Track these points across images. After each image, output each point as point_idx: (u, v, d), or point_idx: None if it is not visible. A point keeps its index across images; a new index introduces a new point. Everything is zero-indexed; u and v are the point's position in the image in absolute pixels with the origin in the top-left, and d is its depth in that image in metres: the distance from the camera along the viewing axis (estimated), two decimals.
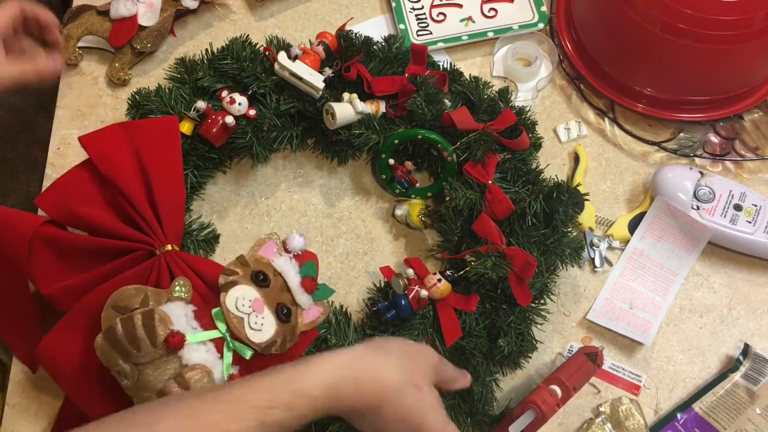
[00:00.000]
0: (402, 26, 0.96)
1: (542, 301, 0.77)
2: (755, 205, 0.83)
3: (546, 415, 0.65)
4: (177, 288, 0.68)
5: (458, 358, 0.74)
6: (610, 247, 0.85)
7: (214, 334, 0.66)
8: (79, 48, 0.94)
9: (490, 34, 0.96)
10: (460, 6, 0.99)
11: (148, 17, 0.92)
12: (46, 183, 0.87)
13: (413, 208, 0.84)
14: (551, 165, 0.89)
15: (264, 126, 0.83)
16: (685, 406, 0.78)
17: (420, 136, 0.80)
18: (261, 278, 0.71)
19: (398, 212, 0.85)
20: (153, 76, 0.95)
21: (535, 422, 0.66)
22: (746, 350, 0.79)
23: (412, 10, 0.98)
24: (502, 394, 0.77)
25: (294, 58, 0.82)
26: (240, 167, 0.89)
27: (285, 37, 0.88)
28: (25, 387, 0.78)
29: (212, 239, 0.84)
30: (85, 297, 0.71)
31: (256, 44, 0.86)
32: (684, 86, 0.88)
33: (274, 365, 0.57)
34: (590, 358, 0.72)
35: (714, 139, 0.90)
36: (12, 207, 0.75)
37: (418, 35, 0.96)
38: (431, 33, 0.96)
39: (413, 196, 0.86)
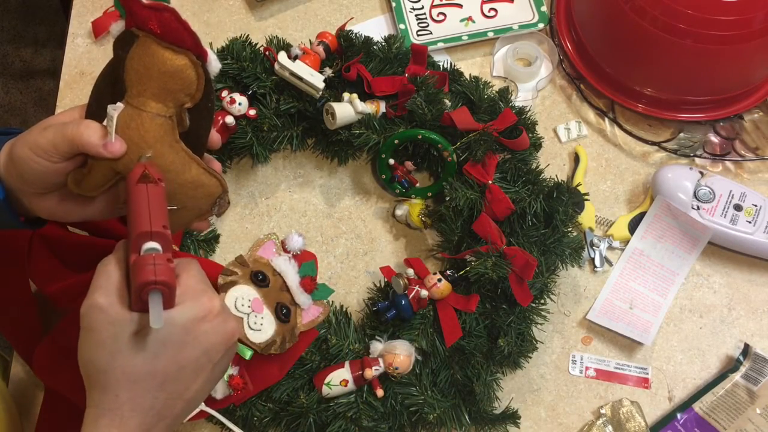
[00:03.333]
0: (402, 26, 0.96)
1: (542, 301, 0.77)
2: (755, 205, 0.83)
3: (170, 283, 0.48)
4: None
5: (458, 358, 0.74)
6: (610, 247, 0.85)
7: None
8: None
9: (490, 34, 0.96)
10: (460, 6, 0.99)
11: None
12: None
13: (413, 208, 0.84)
14: (551, 165, 0.89)
15: (264, 126, 0.83)
16: (685, 406, 0.78)
17: (420, 136, 0.80)
18: (260, 278, 0.71)
19: (398, 212, 0.85)
20: None
21: (167, 299, 0.49)
22: (746, 350, 0.79)
23: (412, 10, 0.98)
24: (502, 393, 0.77)
25: (294, 58, 0.82)
26: (240, 167, 0.89)
27: (285, 37, 0.88)
28: (26, 385, 0.78)
29: (212, 239, 0.84)
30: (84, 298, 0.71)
31: (256, 44, 0.86)
32: (684, 86, 0.88)
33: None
34: (145, 179, 0.53)
35: (714, 139, 0.90)
36: None
37: (418, 35, 0.96)
38: (431, 33, 0.96)
39: (413, 196, 0.86)
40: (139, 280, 0.47)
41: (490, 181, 0.78)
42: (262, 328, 0.68)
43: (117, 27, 0.56)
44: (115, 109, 0.54)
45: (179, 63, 0.54)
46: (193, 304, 0.50)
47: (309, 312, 0.73)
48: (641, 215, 0.85)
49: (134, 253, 0.49)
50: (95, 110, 0.56)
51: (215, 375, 0.54)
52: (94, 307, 0.49)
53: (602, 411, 0.78)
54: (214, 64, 0.57)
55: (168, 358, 0.49)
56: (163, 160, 0.55)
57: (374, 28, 0.98)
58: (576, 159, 0.90)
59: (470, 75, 0.87)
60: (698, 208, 0.83)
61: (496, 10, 0.98)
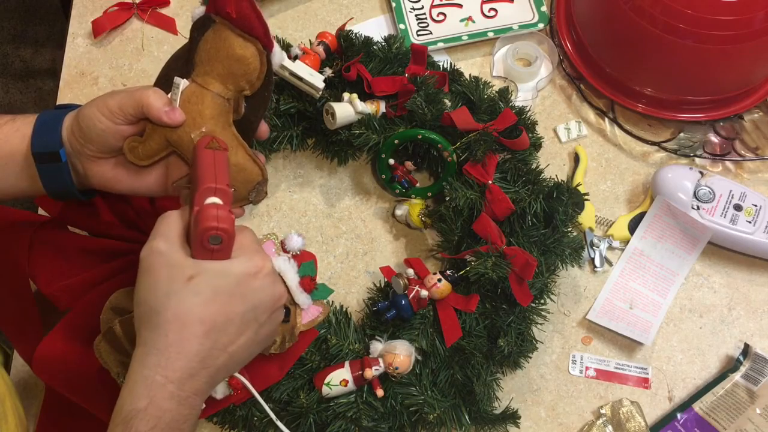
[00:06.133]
0: (402, 26, 0.96)
1: (542, 301, 0.77)
2: (755, 205, 0.83)
3: (230, 231, 0.52)
4: None
5: (458, 358, 0.74)
6: (610, 247, 0.85)
7: None
8: None
9: (490, 34, 0.96)
10: (460, 6, 0.99)
11: None
12: None
13: (413, 208, 0.84)
14: (551, 165, 0.89)
15: None
16: (685, 406, 0.78)
17: (420, 136, 0.80)
18: None
19: (398, 212, 0.85)
20: (154, 76, 0.95)
21: (225, 247, 0.53)
22: (746, 350, 0.79)
23: (412, 10, 0.98)
24: (502, 393, 0.77)
25: (294, 58, 0.82)
26: None
27: (285, 37, 0.88)
28: (26, 385, 0.78)
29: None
30: (84, 298, 0.71)
31: None
32: (684, 86, 0.88)
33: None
34: (212, 146, 0.57)
35: (714, 139, 0.90)
36: (12, 206, 0.75)
37: (418, 35, 0.96)
38: (431, 33, 0.96)
39: (413, 196, 0.86)
40: (202, 225, 0.51)
41: (490, 181, 0.78)
42: None
43: (197, 11, 0.61)
44: (181, 81, 0.59)
45: (247, 50, 0.59)
46: (246, 259, 0.53)
47: (309, 312, 0.73)
48: (641, 215, 0.85)
49: (198, 206, 0.52)
50: (162, 85, 0.61)
51: (259, 338, 0.56)
52: (154, 250, 0.52)
53: (602, 411, 0.78)
54: (278, 56, 0.62)
55: (218, 307, 0.51)
56: None
57: (374, 28, 0.98)
58: (576, 159, 0.90)
59: (470, 75, 0.87)
60: (698, 208, 0.83)
61: (496, 10, 0.98)
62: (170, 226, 0.54)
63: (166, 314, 0.50)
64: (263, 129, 0.65)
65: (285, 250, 0.76)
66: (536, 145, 0.84)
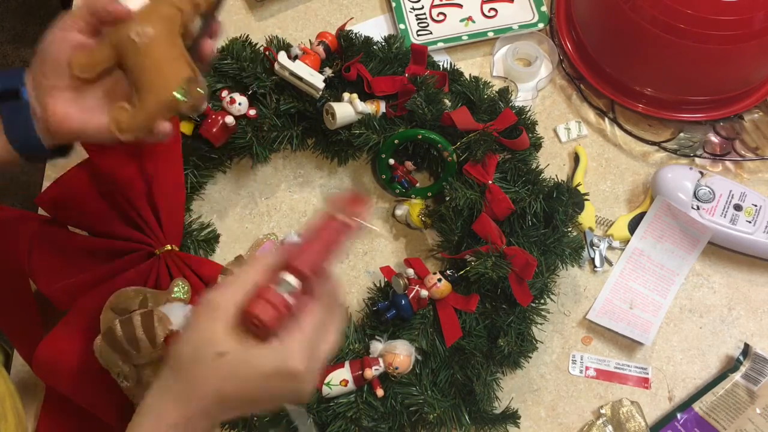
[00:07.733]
0: (402, 26, 0.96)
1: (542, 301, 0.77)
2: (755, 205, 0.83)
3: (271, 329, 0.48)
4: (176, 289, 0.68)
5: (458, 358, 0.74)
6: (610, 247, 0.85)
7: None
8: None
9: (490, 34, 0.96)
10: (460, 6, 0.99)
11: None
12: (47, 182, 0.87)
13: (413, 208, 0.84)
14: (551, 165, 0.89)
15: (264, 126, 0.83)
16: (685, 406, 0.78)
17: (420, 136, 0.80)
18: None
19: (398, 212, 0.85)
20: None
21: (261, 336, 0.49)
22: (746, 350, 0.79)
23: (412, 10, 0.98)
24: (502, 393, 0.77)
25: (294, 58, 0.82)
26: (240, 167, 0.89)
27: (285, 37, 0.88)
28: (26, 385, 0.78)
29: (212, 239, 0.84)
30: (84, 298, 0.71)
31: (256, 44, 0.86)
32: (684, 86, 0.88)
33: None
34: (343, 221, 0.51)
35: (714, 139, 0.90)
36: (12, 206, 0.75)
37: (418, 35, 0.96)
38: (431, 33, 0.96)
39: (413, 196, 0.86)
40: (246, 307, 0.48)
41: (490, 181, 0.78)
42: None
43: None
44: None
45: None
46: (282, 358, 0.49)
47: None
48: (641, 215, 0.85)
49: (272, 275, 0.49)
50: None
51: (263, 407, 0.57)
52: (212, 305, 0.49)
53: (602, 411, 0.78)
54: None
55: (233, 386, 0.50)
56: (156, 46, 0.56)
57: (374, 28, 0.98)
58: (576, 159, 0.90)
59: (470, 75, 0.87)
60: (698, 208, 0.83)
61: (496, 10, 0.98)
62: (239, 284, 0.50)
63: (187, 374, 0.50)
64: (208, 45, 0.61)
65: None
66: (536, 145, 0.84)
